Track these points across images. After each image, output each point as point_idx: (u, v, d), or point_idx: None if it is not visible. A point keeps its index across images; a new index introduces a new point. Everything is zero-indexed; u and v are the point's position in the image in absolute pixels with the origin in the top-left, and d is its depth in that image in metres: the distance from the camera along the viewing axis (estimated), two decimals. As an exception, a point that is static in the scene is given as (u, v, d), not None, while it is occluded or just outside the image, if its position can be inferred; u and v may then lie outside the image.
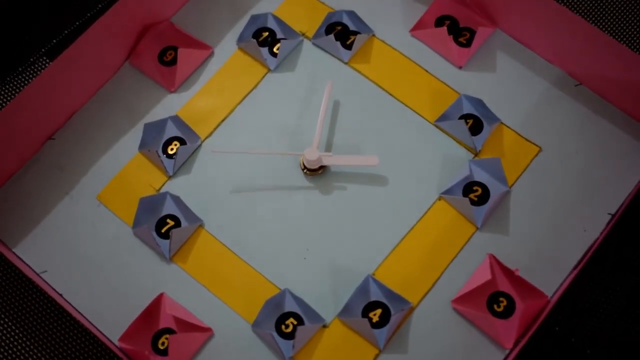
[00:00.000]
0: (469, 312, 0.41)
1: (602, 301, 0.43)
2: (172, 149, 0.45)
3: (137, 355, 0.40)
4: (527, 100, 0.46)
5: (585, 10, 0.50)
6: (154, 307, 0.42)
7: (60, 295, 0.42)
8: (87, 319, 0.41)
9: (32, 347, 0.42)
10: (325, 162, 0.44)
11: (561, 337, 0.42)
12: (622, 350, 0.42)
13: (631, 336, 0.42)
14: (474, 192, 0.43)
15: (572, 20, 0.43)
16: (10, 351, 0.42)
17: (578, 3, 0.50)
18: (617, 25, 0.50)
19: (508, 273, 0.41)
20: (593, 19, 0.50)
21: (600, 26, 0.50)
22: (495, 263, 0.42)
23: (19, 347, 0.43)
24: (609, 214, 0.42)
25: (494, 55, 0.47)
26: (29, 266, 0.43)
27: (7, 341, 0.43)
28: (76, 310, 0.41)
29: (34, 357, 0.42)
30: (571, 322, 0.42)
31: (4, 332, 0.43)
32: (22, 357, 0.42)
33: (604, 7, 0.50)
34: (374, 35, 0.48)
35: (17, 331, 0.43)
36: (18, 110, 0.43)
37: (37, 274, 0.42)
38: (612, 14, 0.50)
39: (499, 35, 0.48)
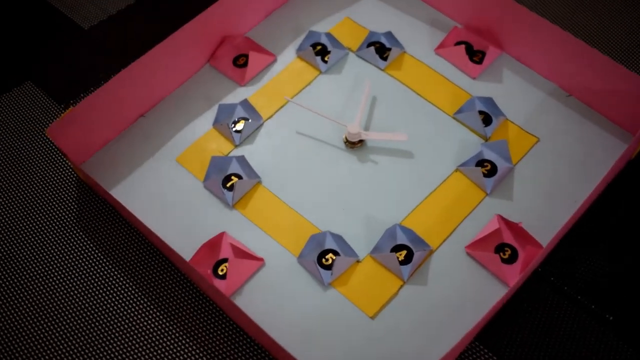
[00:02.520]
0: (480, 255, 0.49)
1: (588, 254, 0.50)
2: (239, 125, 0.56)
3: (203, 276, 0.48)
4: (526, 105, 0.57)
5: (575, 25, 0.62)
6: (217, 241, 0.50)
7: (145, 225, 0.49)
8: (164, 243, 0.48)
9: (117, 272, 0.51)
10: (363, 137, 0.54)
11: (556, 286, 0.50)
12: (606, 295, 0.49)
13: (614, 284, 0.49)
14: (484, 167, 0.53)
15: (565, 40, 0.55)
16: (98, 276, 0.51)
17: (568, 20, 0.62)
18: (602, 37, 0.61)
19: (512, 228, 0.50)
20: (580, 32, 0.62)
21: (586, 38, 0.61)
22: (502, 220, 0.50)
23: (106, 272, 0.51)
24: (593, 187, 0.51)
25: (500, 71, 0.59)
26: (121, 204, 0.51)
27: (97, 268, 0.51)
28: (156, 236, 0.49)
29: (119, 280, 0.50)
30: (564, 273, 0.50)
31: (95, 260, 0.51)
32: (107, 281, 0.51)
33: (588, 19, 0.62)
34: (405, 51, 0.60)
35: (105, 260, 0.52)
36: (117, 87, 0.54)
37: (128, 211, 0.50)
38: (597, 25, 0.62)
39: (505, 57, 0.60)
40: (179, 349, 0.48)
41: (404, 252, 0.49)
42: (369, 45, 0.60)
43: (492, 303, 0.45)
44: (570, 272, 0.50)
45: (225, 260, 0.50)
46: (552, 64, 0.57)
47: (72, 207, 0.54)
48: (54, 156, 0.57)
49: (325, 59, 0.59)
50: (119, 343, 0.48)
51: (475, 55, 0.59)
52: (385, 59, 0.59)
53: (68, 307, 0.49)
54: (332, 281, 0.49)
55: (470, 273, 0.49)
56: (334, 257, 0.49)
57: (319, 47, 0.60)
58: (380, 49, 0.60)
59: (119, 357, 0.47)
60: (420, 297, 0.48)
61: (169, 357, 0.47)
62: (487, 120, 0.55)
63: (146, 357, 0.47)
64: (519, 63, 0.59)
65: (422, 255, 0.49)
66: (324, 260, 0.49)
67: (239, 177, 0.53)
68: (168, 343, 0.48)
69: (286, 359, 0.44)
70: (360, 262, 0.50)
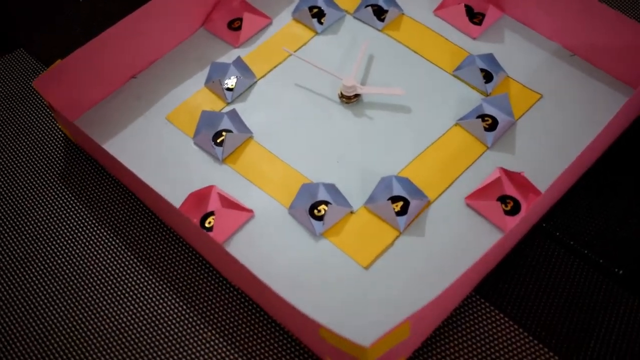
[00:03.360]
0: (480, 205, 0.46)
1: (596, 210, 0.48)
2: (232, 83, 0.55)
3: (192, 221, 0.44)
4: (529, 65, 0.55)
5: None
6: (205, 193, 0.48)
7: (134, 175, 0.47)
8: (152, 192, 0.46)
9: (102, 228, 0.49)
10: (359, 91, 0.52)
11: (563, 241, 0.47)
12: (614, 250, 0.46)
13: (622, 239, 0.47)
14: (485, 121, 0.51)
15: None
16: (83, 231, 0.49)
17: None
18: None
19: (513, 179, 0.47)
20: None
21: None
22: (503, 172, 0.48)
23: (91, 228, 0.49)
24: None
25: (501, 32, 0.57)
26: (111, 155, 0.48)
27: (82, 224, 0.49)
28: (144, 185, 0.46)
29: (104, 235, 0.49)
30: (570, 229, 0.47)
31: (80, 217, 0.50)
32: (92, 236, 0.49)
33: None
34: (403, 13, 0.58)
35: (90, 216, 0.50)
36: (107, 42, 0.53)
37: (117, 162, 0.48)
38: None
39: (506, 19, 0.58)
40: (163, 303, 0.45)
41: (400, 203, 0.47)
42: (366, 6, 0.59)
43: (493, 252, 0.43)
44: (576, 228, 0.47)
45: (213, 214, 0.48)
46: (555, 23, 0.55)
47: (59, 166, 0.53)
48: (43, 117, 0.56)
49: (322, 20, 0.58)
50: (104, 299, 0.46)
51: (476, 17, 0.58)
52: (382, 20, 0.58)
53: (53, 263, 0.47)
54: (324, 231, 0.46)
55: (471, 224, 0.46)
56: (326, 208, 0.47)
57: (315, 10, 0.59)
58: (378, 10, 0.58)
59: (105, 313, 0.45)
60: (416, 247, 0.45)
61: (154, 310, 0.45)
62: (487, 77, 0.53)
63: (132, 311, 0.45)
64: (520, 24, 0.57)
65: (420, 206, 0.47)
66: (315, 211, 0.47)
67: (230, 132, 0.52)
68: (153, 297, 0.46)
69: (276, 307, 0.42)
70: (354, 213, 0.47)
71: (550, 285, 0.45)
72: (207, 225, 0.47)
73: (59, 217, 0.50)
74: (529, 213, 0.43)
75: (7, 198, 0.51)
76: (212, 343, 0.44)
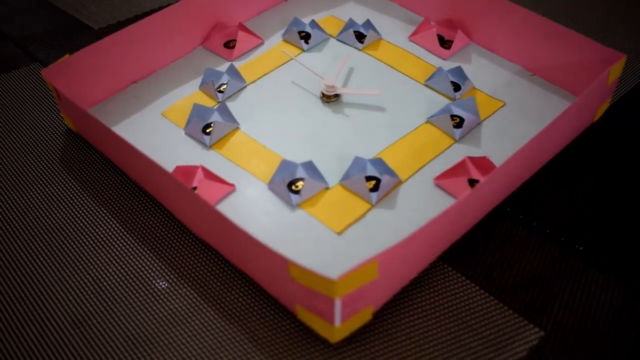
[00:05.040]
0: (448, 183, 0.50)
1: (557, 198, 0.52)
2: (224, 86, 0.59)
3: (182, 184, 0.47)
4: (494, 81, 0.60)
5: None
6: (191, 171, 0.52)
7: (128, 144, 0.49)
8: (145, 160, 0.48)
9: (96, 206, 0.52)
10: (338, 91, 0.57)
11: (525, 222, 0.50)
12: (575, 230, 0.49)
13: (582, 221, 0.50)
14: (453, 120, 0.55)
15: (527, 18, 0.59)
16: (79, 211, 0.52)
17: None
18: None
19: (479, 164, 0.51)
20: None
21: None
22: (469, 159, 0.52)
23: (87, 207, 0.52)
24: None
25: (469, 55, 0.63)
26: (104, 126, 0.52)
27: (78, 204, 0.53)
28: (137, 153, 0.50)
29: (99, 214, 0.52)
30: (532, 212, 0.51)
31: (78, 197, 0.53)
32: (88, 215, 0.52)
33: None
34: (381, 38, 0.65)
35: (88, 198, 0.53)
36: (109, 45, 0.58)
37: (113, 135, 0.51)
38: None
39: (473, 46, 0.64)
40: (140, 260, 0.48)
41: (373, 182, 0.50)
42: (348, 30, 0.65)
43: (455, 208, 0.45)
44: (539, 212, 0.51)
45: (196, 189, 0.51)
46: (517, 47, 0.62)
47: (59, 152, 0.57)
48: (47, 109, 0.61)
49: (308, 42, 0.65)
50: (97, 271, 0.48)
51: (446, 44, 0.64)
52: (362, 42, 0.64)
53: (50, 241, 0.50)
54: (301, 203, 0.49)
55: (439, 201, 0.49)
56: (303, 184, 0.50)
57: (302, 34, 0.65)
58: (359, 35, 0.65)
59: (100, 284, 0.47)
60: (387, 219, 0.48)
61: (130, 266, 0.47)
62: (456, 87, 0.59)
63: (109, 267, 0.47)
64: (486, 50, 0.64)
65: (391, 182, 0.50)
66: (293, 187, 0.50)
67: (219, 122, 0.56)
68: (131, 255, 0.48)
69: (248, 255, 0.44)
70: (330, 189, 0.51)
71: (515, 258, 0.48)
72: (191, 197, 0.50)
73: (56, 198, 0.53)
74: (487, 180, 0.46)
75: (8, 177, 0.55)
76: (186, 297, 0.45)
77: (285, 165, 0.51)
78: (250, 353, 0.42)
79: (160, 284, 0.44)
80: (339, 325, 0.41)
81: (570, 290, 0.46)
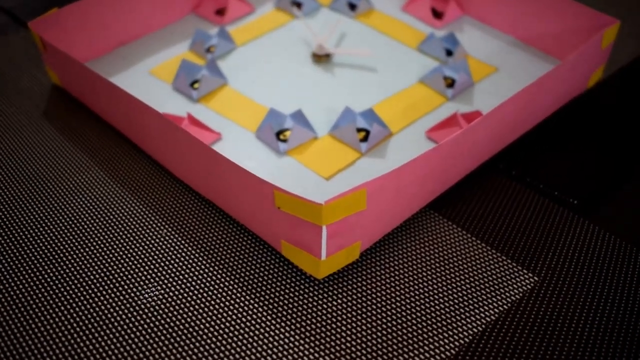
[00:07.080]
0: (440, 134, 0.49)
1: (550, 156, 0.51)
2: (213, 47, 0.59)
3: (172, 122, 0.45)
4: (486, 50, 0.60)
5: None
6: (178, 119, 0.50)
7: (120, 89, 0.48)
8: (135, 102, 0.47)
9: (82, 156, 0.51)
10: (329, 51, 0.56)
11: (518, 177, 0.49)
12: (568, 185, 0.48)
13: (575, 177, 0.49)
14: (446, 80, 0.54)
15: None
16: (64, 162, 0.51)
17: None
18: None
19: (471, 119, 0.50)
20: None
21: None
22: (460, 115, 0.51)
23: (68, 154, 0.51)
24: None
25: (462, 26, 0.63)
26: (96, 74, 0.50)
27: (64, 155, 0.51)
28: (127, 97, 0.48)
29: (84, 164, 0.50)
30: (525, 167, 0.50)
31: (62, 148, 0.52)
32: (73, 164, 0.50)
33: None
34: (373, 8, 0.65)
35: (74, 149, 0.52)
36: (97, 3, 0.57)
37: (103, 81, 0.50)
38: None
39: (466, 18, 0.64)
40: (122, 206, 0.46)
41: (363, 133, 0.49)
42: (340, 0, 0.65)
43: (450, 171, 0.44)
44: (532, 168, 0.50)
45: (183, 135, 0.49)
46: (509, 18, 0.62)
47: (42, 106, 0.55)
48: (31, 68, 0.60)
49: (300, 8, 0.64)
50: (76, 213, 0.47)
51: (439, 16, 0.64)
52: (354, 10, 0.64)
53: (30, 187, 0.49)
54: (289, 150, 0.48)
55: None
56: (291, 132, 0.49)
57: (295, 4, 0.65)
58: (351, 5, 0.65)
59: (78, 224, 0.46)
60: (376, 168, 0.47)
61: (112, 212, 0.46)
62: (449, 52, 0.58)
63: (102, 222, 0.46)
64: (479, 22, 0.64)
65: (381, 133, 0.49)
66: (281, 136, 0.49)
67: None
68: (123, 211, 0.47)
69: (232, 191, 0.42)
70: (319, 139, 0.49)
71: (508, 209, 0.46)
72: (176, 145, 0.49)
73: (41, 151, 0.51)
74: (477, 123, 0.44)
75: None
76: (167, 237, 0.44)
77: (274, 114, 0.50)
78: (233, 292, 0.40)
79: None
80: (325, 259, 0.39)
81: (564, 240, 0.44)
